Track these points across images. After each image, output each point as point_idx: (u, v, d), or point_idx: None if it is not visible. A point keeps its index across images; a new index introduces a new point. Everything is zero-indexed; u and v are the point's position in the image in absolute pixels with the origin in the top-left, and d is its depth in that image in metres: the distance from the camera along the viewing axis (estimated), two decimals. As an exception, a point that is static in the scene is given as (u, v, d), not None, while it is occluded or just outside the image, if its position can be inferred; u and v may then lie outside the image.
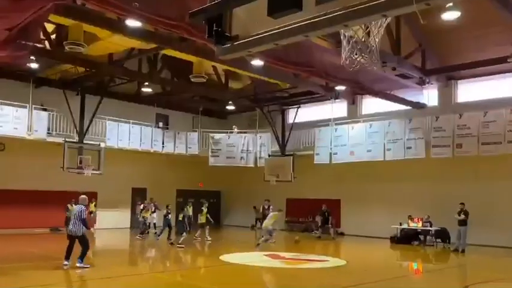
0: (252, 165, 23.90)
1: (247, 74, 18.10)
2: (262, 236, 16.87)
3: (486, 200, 17.84)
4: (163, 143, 23.78)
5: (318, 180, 22.98)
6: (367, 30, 5.37)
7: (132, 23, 11.25)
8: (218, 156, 23.95)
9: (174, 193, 25.43)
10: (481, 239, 17.37)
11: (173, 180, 25.35)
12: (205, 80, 17.99)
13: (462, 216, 16.53)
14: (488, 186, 18.08)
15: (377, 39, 5.64)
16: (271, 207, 19.80)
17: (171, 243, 17.04)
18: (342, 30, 5.39)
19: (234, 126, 24.83)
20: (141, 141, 22.73)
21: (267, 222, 16.65)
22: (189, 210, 18.42)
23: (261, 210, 20.11)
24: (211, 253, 16.60)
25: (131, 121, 22.49)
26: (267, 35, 4.78)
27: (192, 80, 17.69)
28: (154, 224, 20.87)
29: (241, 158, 23.83)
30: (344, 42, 5.48)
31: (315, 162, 21.53)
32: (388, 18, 5.31)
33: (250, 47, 4.99)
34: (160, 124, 25.07)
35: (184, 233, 16.77)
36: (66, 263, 11.33)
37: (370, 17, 4.53)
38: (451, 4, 11.80)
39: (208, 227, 18.97)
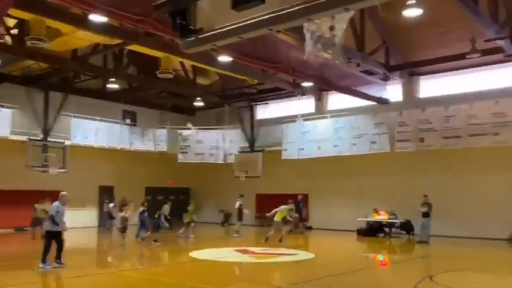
0: (221, 161, 23.92)
1: (215, 70, 18.08)
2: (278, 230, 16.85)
3: (448, 192, 18.44)
4: (130, 140, 23.49)
5: (286, 175, 23.21)
6: (331, 24, 5.47)
7: (97, 18, 11.05)
8: (187, 152, 23.87)
9: (142, 191, 25.17)
10: (444, 230, 17.95)
11: (142, 178, 25.10)
12: (172, 76, 17.86)
13: (425, 208, 17.06)
14: (451, 179, 18.71)
15: (340, 34, 5.74)
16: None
17: (142, 239, 16.94)
18: (305, 24, 5.48)
19: (188, 123, 24.60)
20: (107, 138, 22.39)
21: (278, 217, 16.63)
22: (167, 209, 18.40)
23: (236, 206, 20.18)
24: (182, 250, 16.55)
25: (97, 118, 22.13)
26: (231, 28, 4.80)
27: (159, 76, 17.54)
28: None
29: (211, 154, 23.83)
30: (307, 36, 5.57)
31: (283, 158, 21.73)
32: (351, 12, 5.43)
33: (214, 40, 5.01)
34: (128, 121, 24.74)
35: (162, 230, 16.79)
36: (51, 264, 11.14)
37: (333, 10, 4.61)
38: (413, 1, 12.14)
39: (193, 224, 18.98)
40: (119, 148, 23.01)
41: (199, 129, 24.35)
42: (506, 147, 16.46)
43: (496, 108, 16.58)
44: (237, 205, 20.03)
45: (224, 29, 4.87)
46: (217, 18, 4.88)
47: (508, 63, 17.49)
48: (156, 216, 17.20)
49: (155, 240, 16.50)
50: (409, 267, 13.27)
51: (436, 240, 17.21)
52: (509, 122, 16.25)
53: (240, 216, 19.81)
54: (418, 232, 17.93)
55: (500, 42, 14.77)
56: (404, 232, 19.22)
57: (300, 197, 21.44)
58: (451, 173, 18.76)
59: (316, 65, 14.73)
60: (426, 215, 17.08)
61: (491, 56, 16.22)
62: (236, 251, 14.97)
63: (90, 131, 21.75)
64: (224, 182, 24.76)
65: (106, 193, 23.22)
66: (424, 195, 17.22)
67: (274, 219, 16.72)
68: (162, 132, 24.40)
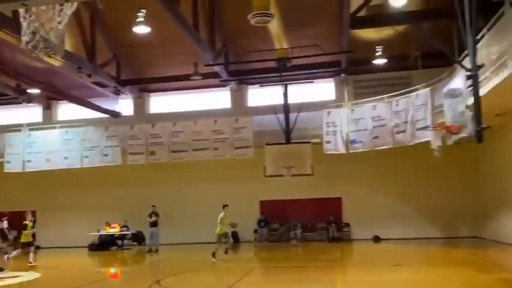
0: None
1: None
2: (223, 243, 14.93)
3: (175, 202, 19.94)
4: None
5: (9, 190, 20.90)
6: (50, 16, 5.48)
7: None
8: None
9: None
10: (174, 238, 19.27)
11: None
12: None
13: (154, 218, 17.92)
14: (177, 190, 20.34)
15: (62, 28, 5.81)
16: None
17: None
18: (22, 12, 5.36)
19: None
20: None
21: (222, 227, 14.77)
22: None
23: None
24: None
25: None
26: None
27: None
28: None
29: None
30: (24, 25, 5.45)
31: (5, 171, 19.63)
32: (73, 5, 5.57)
33: None
34: None
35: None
36: None
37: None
38: (142, 19, 12.94)
39: (33, 247, 15.38)
40: None
41: None
42: (223, 161, 18.77)
43: (215, 127, 18.83)
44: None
45: None
46: None
47: (223, 87, 20.32)
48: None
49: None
50: (140, 274, 13.84)
51: (165, 248, 18.29)
52: (226, 138, 18.68)
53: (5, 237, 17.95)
54: (148, 242, 18.72)
55: (216, 68, 17.13)
56: (136, 243, 19.76)
57: (27, 212, 19.58)
58: (178, 184, 20.36)
59: (45, 72, 14.01)
60: (154, 224, 17.93)
61: (211, 79, 18.59)
62: None
63: None
64: None
65: None
66: (152, 205, 18.08)
67: (216, 231, 14.99)
68: None
